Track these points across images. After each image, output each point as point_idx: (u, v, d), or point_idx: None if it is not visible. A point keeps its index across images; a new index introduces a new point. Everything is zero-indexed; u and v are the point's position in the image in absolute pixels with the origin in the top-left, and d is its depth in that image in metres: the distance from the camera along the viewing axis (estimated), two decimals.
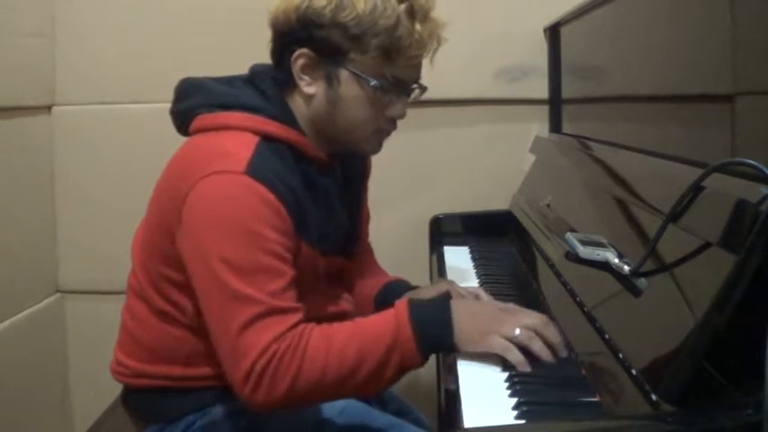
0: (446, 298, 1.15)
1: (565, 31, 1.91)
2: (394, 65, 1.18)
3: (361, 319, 1.13)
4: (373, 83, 1.17)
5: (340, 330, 1.09)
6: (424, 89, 1.25)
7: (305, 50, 1.17)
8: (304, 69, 1.19)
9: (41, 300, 2.10)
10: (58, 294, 2.19)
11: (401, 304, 1.12)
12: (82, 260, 2.17)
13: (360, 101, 1.19)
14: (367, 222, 1.50)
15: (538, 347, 1.07)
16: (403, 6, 1.16)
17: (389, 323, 1.09)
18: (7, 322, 1.92)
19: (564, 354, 1.08)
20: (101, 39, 2.11)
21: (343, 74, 1.18)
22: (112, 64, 2.10)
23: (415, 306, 1.11)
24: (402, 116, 1.24)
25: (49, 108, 2.13)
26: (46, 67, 2.09)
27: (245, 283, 1.06)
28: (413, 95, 1.25)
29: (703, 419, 0.76)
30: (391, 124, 1.24)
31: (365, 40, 1.15)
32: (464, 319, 1.10)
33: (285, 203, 1.12)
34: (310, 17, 1.15)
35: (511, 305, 1.22)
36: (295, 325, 1.08)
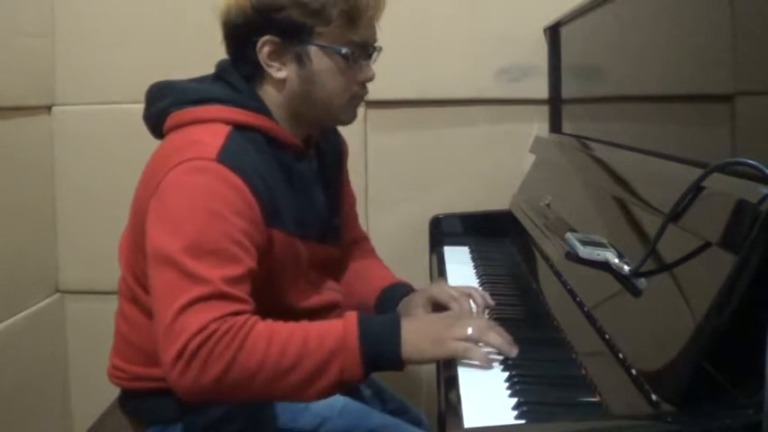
0: (396, 316, 1.14)
1: (565, 31, 1.91)
2: (357, 29, 1.20)
3: (309, 322, 1.10)
4: (344, 51, 1.19)
5: (284, 328, 1.07)
6: (380, 49, 1.27)
7: (268, 37, 1.18)
8: (271, 56, 1.20)
9: (41, 300, 2.10)
10: (58, 294, 2.19)
11: (351, 315, 1.10)
12: (82, 260, 2.17)
13: (333, 72, 1.21)
14: (352, 206, 1.49)
15: (493, 339, 1.07)
16: None
17: (336, 331, 1.07)
18: (7, 322, 1.92)
19: (515, 352, 1.07)
20: (101, 39, 2.11)
21: (312, 50, 1.19)
22: (112, 64, 2.11)
23: (364, 320, 1.09)
24: (372, 78, 1.26)
25: (49, 108, 2.13)
26: (46, 67, 2.09)
27: (198, 264, 1.04)
28: (374, 57, 1.26)
29: (703, 419, 0.76)
30: (363, 88, 1.27)
31: (325, 12, 1.17)
32: (413, 334, 1.08)
33: (255, 192, 1.12)
34: (267, 3, 1.16)
35: (455, 312, 1.24)
36: (239, 312, 1.04)
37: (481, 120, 2.08)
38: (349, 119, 1.30)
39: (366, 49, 1.23)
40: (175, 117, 1.21)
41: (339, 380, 1.06)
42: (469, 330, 1.07)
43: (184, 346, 1.01)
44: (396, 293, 1.41)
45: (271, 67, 1.20)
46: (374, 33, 1.25)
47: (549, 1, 1.91)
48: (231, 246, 1.07)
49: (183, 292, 1.03)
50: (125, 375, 1.27)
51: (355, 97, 1.26)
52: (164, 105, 1.24)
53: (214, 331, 1.01)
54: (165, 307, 1.04)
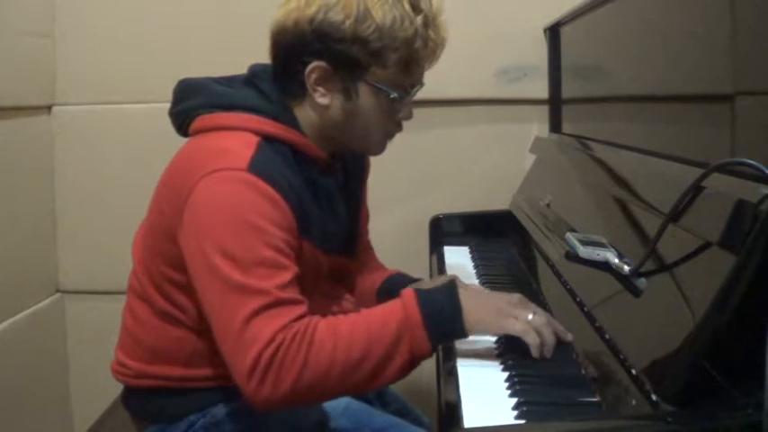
0: (453, 284, 1.14)
1: (565, 31, 1.91)
2: (411, 75, 1.19)
3: (367, 309, 1.11)
4: (393, 95, 1.18)
5: (346, 321, 1.08)
6: (422, 85, 1.26)
7: (321, 63, 1.16)
8: (319, 81, 1.18)
9: (41, 300, 2.10)
10: (58, 294, 2.18)
11: (408, 292, 1.10)
12: (82, 260, 2.17)
13: (376, 111, 1.20)
14: (366, 222, 1.50)
15: (548, 333, 1.08)
16: (420, 18, 1.16)
17: (397, 311, 1.08)
18: (7, 322, 1.91)
19: (569, 339, 1.09)
20: (101, 39, 2.11)
21: (363, 87, 1.18)
22: (112, 64, 2.10)
23: (422, 293, 1.10)
24: (411, 117, 1.25)
25: (49, 108, 2.13)
26: (46, 67, 2.09)
27: (249, 277, 1.05)
28: (414, 92, 1.25)
29: (703, 419, 0.76)
30: (399, 126, 1.26)
31: (385, 54, 1.15)
32: (473, 303, 1.09)
33: (288, 200, 1.12)
34: (327, 31, 1.14)
35: (518, 295, 1.22)
36: (301, 316, 1.06)
37: (481, 120, 2.09)
38: (378, 152, 1.29)
39: (412, 90, 1.22)
40: (204, 120, 1.21)
41: (410, 358, 1.06)
42: (530, 316, 1.09)
43: (257, 359, 1.02)
44: (401, 280, 1.42)
45: (316, 91, 1.18)
46: (423, 75, 1.23)
47: (549, 1, 1.91)
48: (275, 255, 1.08)
49: (242, 305, 1.04)
50: (129, 372, 1.27)
51: (390, 134, 1.26)
52: (191, 105, 1.23)
53: (282, 340, 1.03)
54: (228, 321, 1.05)
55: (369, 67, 1.16)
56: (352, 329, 1.06)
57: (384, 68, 1.16)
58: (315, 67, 1.16)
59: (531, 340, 1.07)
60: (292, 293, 1.08)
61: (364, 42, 1.14)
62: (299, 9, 1.16)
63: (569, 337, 1.10)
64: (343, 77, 1.17)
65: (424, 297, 1.09)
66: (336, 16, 1.13)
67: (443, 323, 1.08)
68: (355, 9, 1.13)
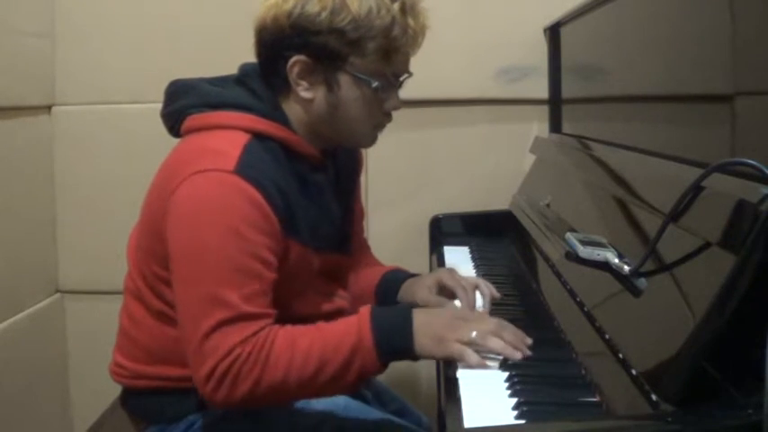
0: (408, 307, 1.16)
1: (565, 31, 1.91)
2: (391, 63, 1.18)
3: (325, 324, 1.14)
4: (375, 84, 1.18)
5: (304, 336, 1.10)
6: (410, 74, 1.26)
7: (302, 57, 1.17)
8: (300, 75, 1.18)
9: (41, 300, 2.10)
10: (58, 294, 2.18)
11: (364, 312, 1.13)
12: (82, 260, 2.17)
13: (360, 101, 1.20)
14: (361, 217, 1.50)
15: (494, 344, 1.08)
16: (397, 5, 1.16)
17: (351, 331, 1.10)
18: (7, 322, 1.91)
19: (527, 350, 1.09)
20: (101, 39, 2.11)
21: (344, 77, 1.18)
22: (112, 64, 2.10)
23: (377, 317, 1.12)
24: (399, 108, 1.25)
25: (49, 108, 2.13)
26: (46, 67, 2.09)
27: (221, 284, 1.07)
28: (403, 82, 1.25)
29: (703, 419, 0.76)
30: (388, 117, 1.26)
31: (363, 43, 1.15)
32: (423, 329, 1.11)
33: (273, 204, 1.12)
34: (304, 24, 1.15)
35: (468, 312, 1.24)
36: (261, 329, 1.09)
37: (481, 120, 2.08)
38: (369, 144, 1.30)
39: (396, 80, 1.22)
40: (195, 119, 1.21)
41: (360, 375, 1.11)
42: (473, 334, 1.09)
43: (213, 369, 1.06)
44: (397, 277, 1.42)
45: (299, 85, 1.19)
46: (407, 64, 1.23)
47: (549, 1, 1.91)
48: (251, 262, 1.09)
49: (207, 316, 1.07)
50: (127, 373, 1.27)
51: (379, 125, 1.26)
52: (183, 105, 1.23)
53: (239, 355, 1.06)
54: (192, 327, 1.08)
55: (347, 58, 1.16)
56: (309, 346, 1.09)
57: (363, 58, 1.16)
58: (296, 61, 1.17)
59: (468, 360, 1.07)
60: (257, 306, 1.09)
61: (341, 33, 1.15)
62: (278, 5, 1.17)
63: (528, 340, 1.11)
64: (324, 69, 1.18)
65: (377, 322, 1.11)
66: (312, 9, 1.14)
67: (394, 349, 1.10)
68: (331, 1, 1.14)
